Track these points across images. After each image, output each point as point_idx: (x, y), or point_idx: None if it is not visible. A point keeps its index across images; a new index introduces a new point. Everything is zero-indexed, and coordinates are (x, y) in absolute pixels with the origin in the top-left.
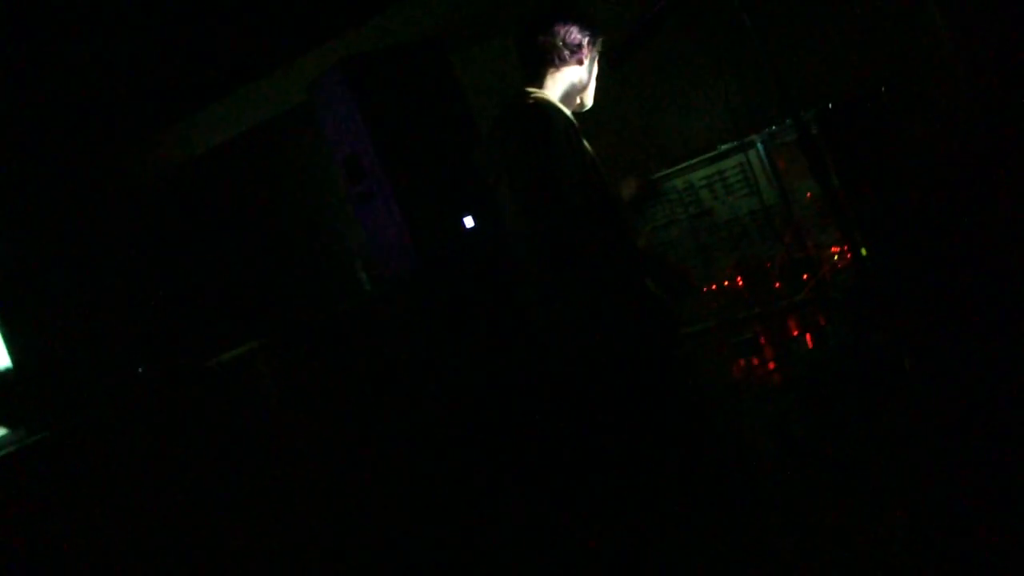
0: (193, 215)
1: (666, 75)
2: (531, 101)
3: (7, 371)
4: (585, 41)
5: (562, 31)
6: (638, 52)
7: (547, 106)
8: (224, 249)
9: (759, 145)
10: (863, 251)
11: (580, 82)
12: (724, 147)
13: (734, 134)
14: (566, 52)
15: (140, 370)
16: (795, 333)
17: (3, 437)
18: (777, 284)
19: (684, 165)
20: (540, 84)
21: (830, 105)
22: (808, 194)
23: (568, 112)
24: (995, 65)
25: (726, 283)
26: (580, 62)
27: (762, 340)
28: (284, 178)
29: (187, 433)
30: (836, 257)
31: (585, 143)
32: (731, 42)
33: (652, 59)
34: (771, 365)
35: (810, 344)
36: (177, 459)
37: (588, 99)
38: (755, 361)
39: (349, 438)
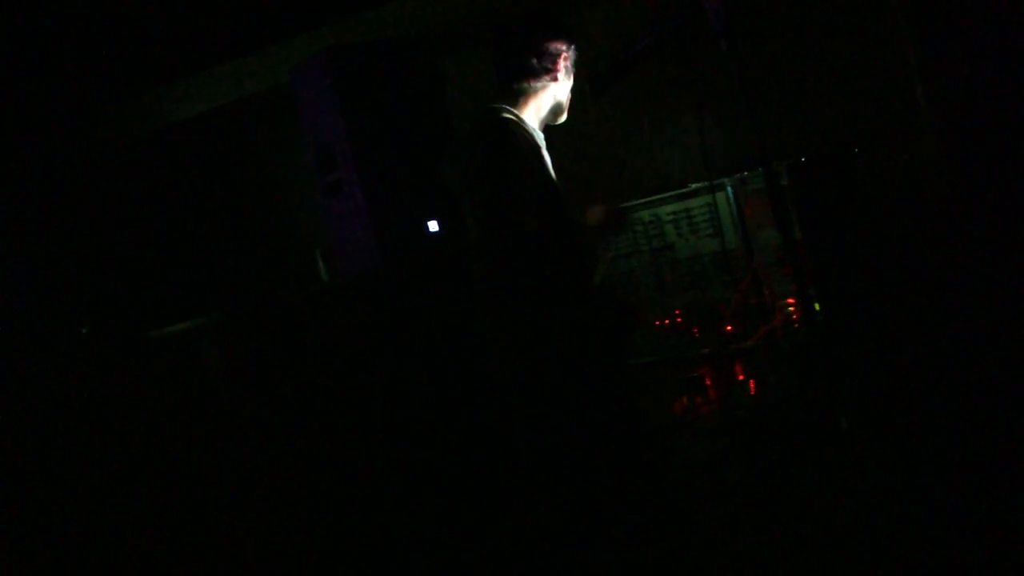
0: (158, 186)
1: (646, 106)
2: (496, 119)
3: None
4: (560, 56)
5: (536, 45)
6: (620, 82)
7: (512, 126)
8: (185, 223)
9: (729, 188)
10: (816, 306)
11: (554, 97)
12: (694, 185)
13: (706, 174)
14: (540, 67)
15: (84, 331)
16: (740, 378)
17: None
18: (729, 328)
19: (653, 198)
20: (513, 98)
21: (803, 159)
22: (771, 243)
23: (537, 130)
24: (969, 139)
25: (679, 319)
26: (555, 78)
27: (707, 381)
28: (254, 159)
29: (120, 400)
30: (791, 309)
31: (549, 166)
32: (714, 84)
33: (634, 89)
34: (713, 407)
35: (752, 391)
36: (106, 424)
37: (563, 113)
38: (698, 400)
39: (285, 424)
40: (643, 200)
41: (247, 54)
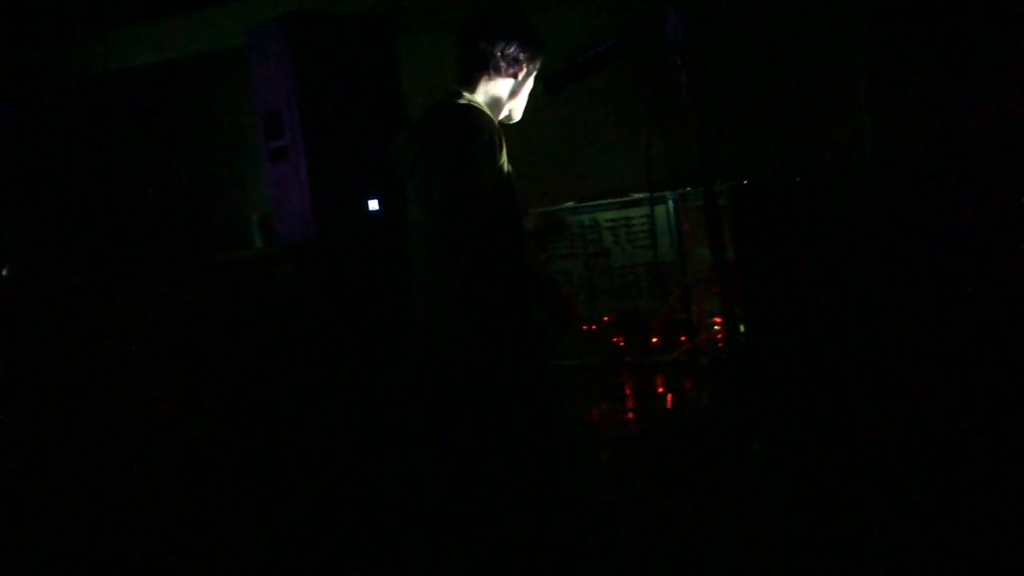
0: (95, 132)
1: (598, 110)
2: (462, 103)
3: None
4: (523, 57)
5: (503, 43)
6: (576, 83)
7: (476, 112)
8: (120, 174)
9: (670, 202)
10: (741, 328)
11: (511, 94)
12: (636, 195)
13: (649, 185)
14: (503, 64)
15: (3, 272)
16: (660, 390)
17: None
18: (655, 339)
19: (595, 203)
20: (472, 87)
21: (744, 181)
22: (705, 261)
23: (495, 120)
24: (908, 181)
25: (607, 326)
26: (515, 76)
27: (627, 389)
28: (198, 117)
29: (33, 345)
30: (716, 328)
31: (505, 156)
32: (666, 98)
33: (587, 93)
34: (629, 415)
35: (669, 404)
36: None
37: (517, 113)
38: (616, 407)
39: (192, 390)
40: (585, 203)
41: (204, 7)
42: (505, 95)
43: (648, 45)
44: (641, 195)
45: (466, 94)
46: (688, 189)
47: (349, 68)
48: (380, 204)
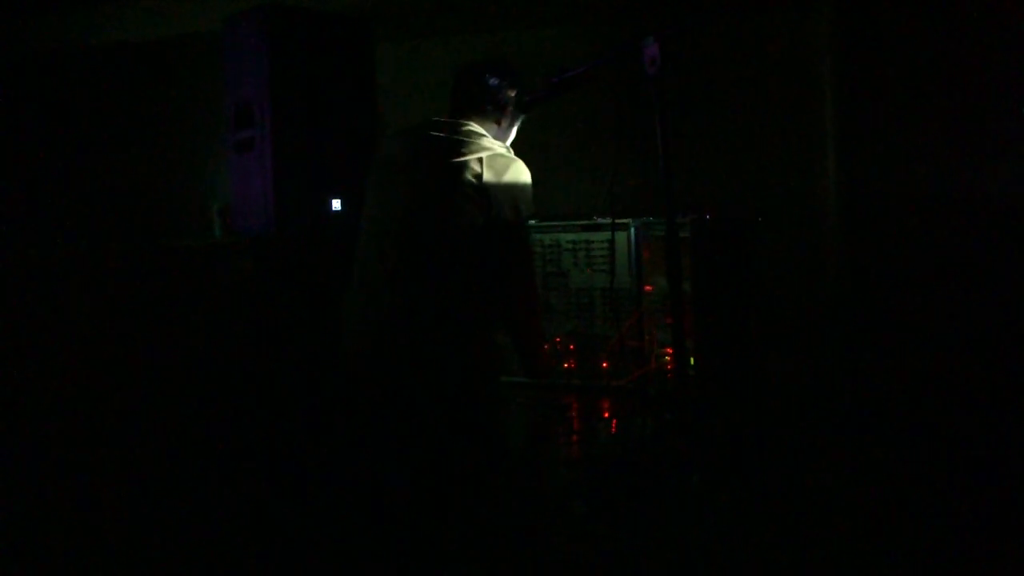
0: (61, 107)
1: (564, 131)
2: (502, 149)
3: None
4: (510, 107)
5: (492, 90)
6: (548, 102)
7: (515, 158)
8: (83, 151)
9: (632, 229)
10: (692, 361)
11: (496, 135)
12: (599, 219)
13: (612, 211)
14: (489, 107)
15: None
16: (605, 415)
17: None
18: (604, 364)
19: (557, 223)
20: (467, 120)
21: (707, 216)
22: (662, 291)
23: None
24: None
25: (558, 347)
26: (498, 122)
27: (572, 412)
28: (166, 101)
29: None
30: (667, 358)
31: None
32: (636, 126)
33: (559, 114)
34: (573, 438)
35: (613, 430)
36: None
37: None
38: (559, 429)
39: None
40: (546, 223)
41: None
42: (493, 132)
43: (622, 72)
44: (603, 220)
45: (475, 125)
46: (651, 219)
47: (324, 66)
48: (343, 205)
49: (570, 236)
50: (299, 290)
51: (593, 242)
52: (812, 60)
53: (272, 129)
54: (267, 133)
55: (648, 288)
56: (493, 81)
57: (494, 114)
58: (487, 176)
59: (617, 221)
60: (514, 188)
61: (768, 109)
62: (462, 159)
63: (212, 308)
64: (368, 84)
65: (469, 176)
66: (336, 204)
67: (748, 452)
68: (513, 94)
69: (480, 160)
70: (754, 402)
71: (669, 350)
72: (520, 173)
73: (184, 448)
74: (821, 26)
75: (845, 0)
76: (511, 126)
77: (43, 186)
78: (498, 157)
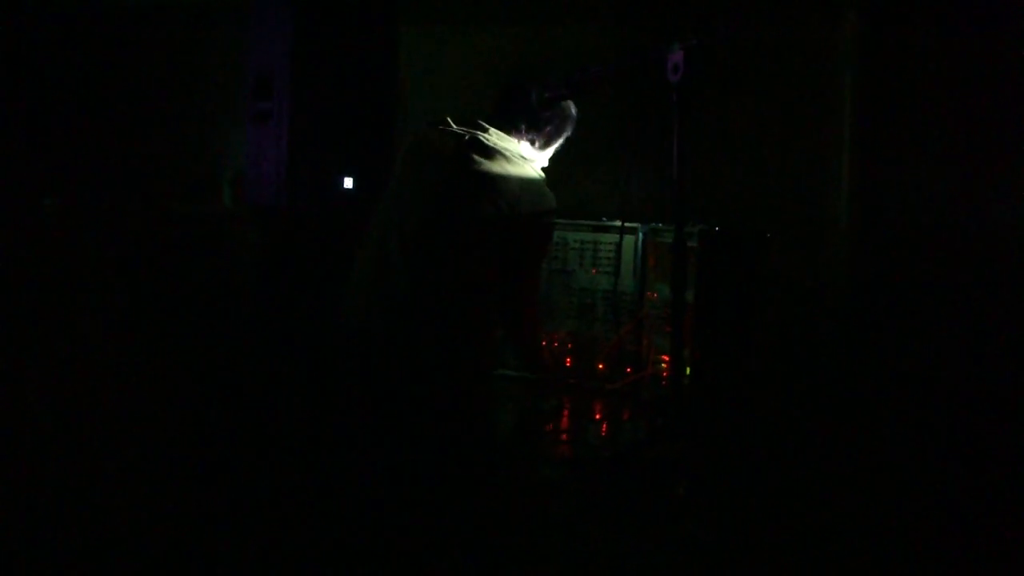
0: (85, 66)
1: (584, 129)
2: (531, 171)
3: None
4: (545, 130)
5: (532, 112)
6: (568, 99)
7: (544, 183)
8: (98, 107)
9: (640, 234)
10: (688, 371)
11: (529, 153)
12: (608, 222)
13: (622, 214)
14: (524, 126)
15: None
16: (596, 416)
17: None
18: (601, 366)
19: (568, 222)
20: (508, 133)
21: (716, 228)
22: (665, 298)
23: None
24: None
25: (556, 344)
26: (532, 142)
27: (564, 411)
28: (187, 65)
29: None
30: (663, 365)
31: None
32: (653, 130)
33: (578, 109)
34: (563, 436)
35: (604, 432)
36: None
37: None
38: (549, 427)
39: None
40: (555, 220)
41: None
42: (526, 150)
43: (645, 77)
44: (612, 223)
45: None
46: (659, 225)
47: (348, 44)
48: (354, 184)
49: (578, 235)
50: (304, 265)
51: (600, 243)
52: (833, 77)
53: (290, 102)
54: (285, 107)
55: (652, 295)
56: (532, 99)
57: (529, 134)
58: (523, 204)
59: (626, 224)
60: (540, 218)
61: (785, 124)
62: (502, 175)
63: (215, 275)
64: (390, 67)
65: (503, 198)
66: (348, 182)
67: (736, 463)
68: (555, 120)
69: (521, 183)
70: (749, 415)
71: (666, 357)
72: (550, 205)
73: (171, 409)
74: (844, 44)
75: (870, 19)
76: (544, 147)
77: (57, 141)
78: (535, 185)
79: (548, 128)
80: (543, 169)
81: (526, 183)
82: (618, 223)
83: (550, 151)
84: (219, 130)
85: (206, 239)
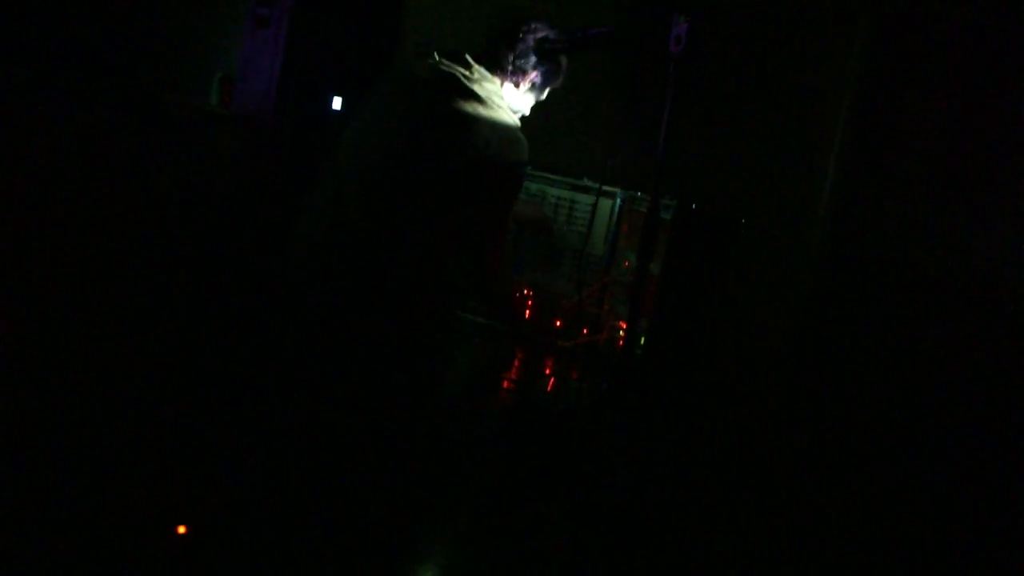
0: None
1: (576, 87)
2: (512, 120)
3: None
4: (531, 75)
5: (525, 54)
6: (566, 56)
7: (518, 130)
8: None
9: (618, 199)
10: (641, 340)
11: (510, 97)
12: (588, 182)
13: (603, 176)
14: (510, 68)
15: None
16: (546, 372)
17: None
18: (558, 322)
19: (550, 176)
20: (491, 72)
21: (693, 205)
22: (631, 265)
23: None
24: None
25: (517, 295)
26: (516, 85)
27: (515, 362)
28: None
29: None
30: (620, 332)
31: None
32: (646, 97)
33: (574, 69)
34: (508, 388)
35: (549, 388)
36: None
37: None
38: (498, 376)
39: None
40: (537, 173)
41: None
42: (507, 94)
43: (645, 45)
44: (592, 184)
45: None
46: (639, 193)
47: None
48: (343, 105)
49: (558, 191)
50: (278, 180)
51: (577, 203)
52: (834, 79)
53: (292, 14)
54: (285, 16)
55: (626, 263)
56: (530, 39)
57: (514, 76)
58: (492, 150)
59: (605, 187)
60: (510, 167)
61: (778, 115)
62: (475, 117)
63: (191, 172)
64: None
65: (472, 141)
66: (337, 103)
67: (671, 436)
68: (544, 68)
69: (492, 127)
70: (695, 395)
71: (623, 324)
72: (519, 154)
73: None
74: (852, 47)
75: (880, 22)
76: (528, 92)
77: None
78: (508, 132)
79: (535, 74)
80: (522, 119)
81: (498, 128)
82: (598, 186)
83: (531, 99)
84: (219, 27)
85: (183, 136)
